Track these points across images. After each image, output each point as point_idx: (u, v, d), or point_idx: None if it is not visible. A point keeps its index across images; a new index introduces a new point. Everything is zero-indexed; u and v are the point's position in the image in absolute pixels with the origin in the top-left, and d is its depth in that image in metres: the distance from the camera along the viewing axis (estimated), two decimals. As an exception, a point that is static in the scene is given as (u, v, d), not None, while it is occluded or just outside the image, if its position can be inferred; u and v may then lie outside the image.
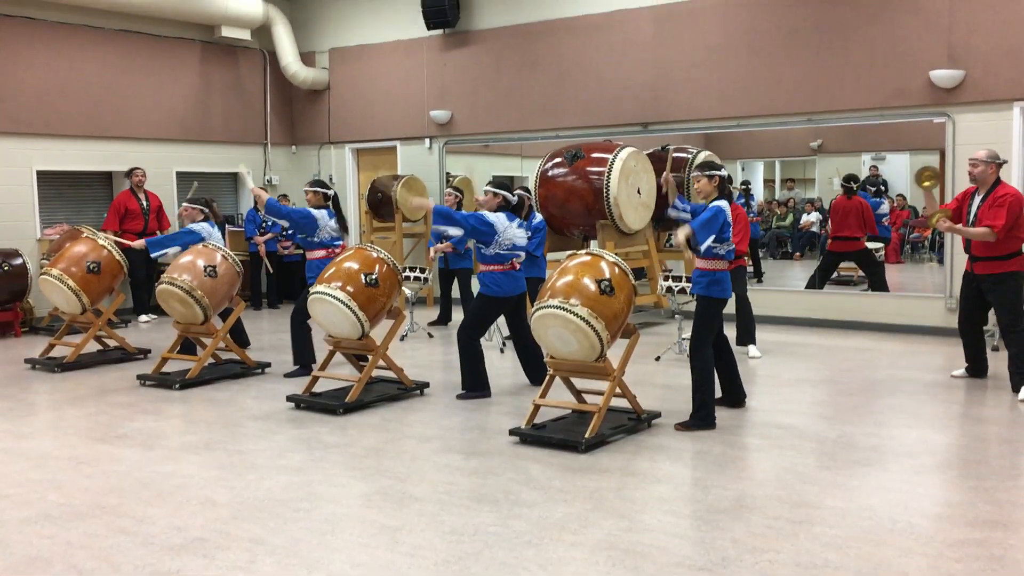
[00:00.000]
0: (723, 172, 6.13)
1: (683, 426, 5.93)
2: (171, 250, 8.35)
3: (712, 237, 5.91)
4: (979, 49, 9.04)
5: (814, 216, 13.50)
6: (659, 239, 11.33)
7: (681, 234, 6.12)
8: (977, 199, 6.82)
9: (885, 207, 12.32)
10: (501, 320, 9.84)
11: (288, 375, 7.86)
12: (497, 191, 6.83)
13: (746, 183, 13.23)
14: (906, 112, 9.58)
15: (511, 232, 6.77)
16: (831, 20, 9.83)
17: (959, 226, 6.81)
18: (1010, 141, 8.82)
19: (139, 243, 9.01)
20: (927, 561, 3.81)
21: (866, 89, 9.66)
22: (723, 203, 6.02)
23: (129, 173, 11.55)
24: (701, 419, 5.94)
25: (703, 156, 10.72)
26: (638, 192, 10.08)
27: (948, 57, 9.18)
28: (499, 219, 6.74)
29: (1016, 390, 6.67)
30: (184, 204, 8.69)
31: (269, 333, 10.38)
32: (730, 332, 8.36)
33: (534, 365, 7.26)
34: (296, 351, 7.98)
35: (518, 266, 6.92)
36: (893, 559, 3.83)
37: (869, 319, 9.89)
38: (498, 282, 6.82)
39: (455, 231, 6.77)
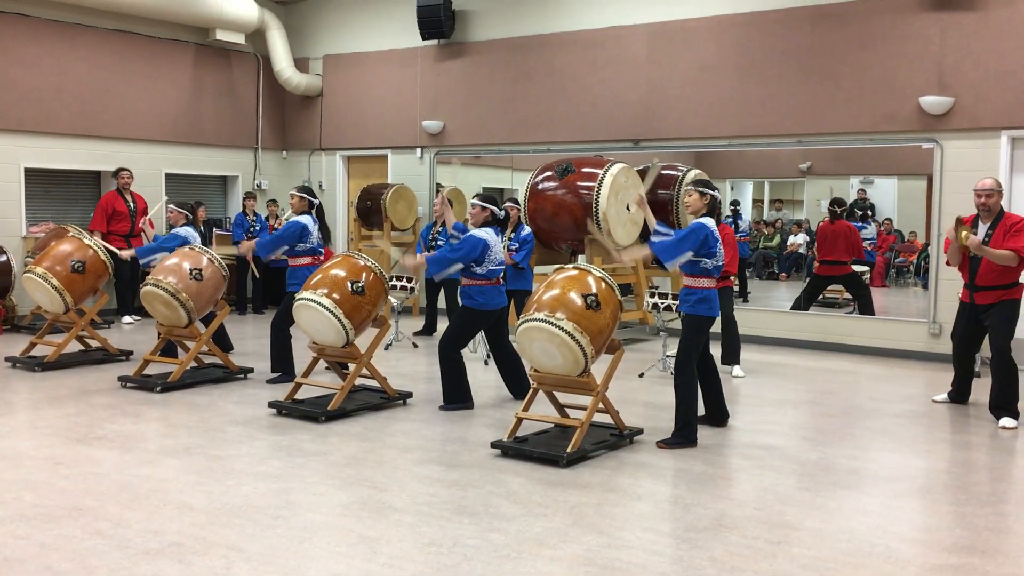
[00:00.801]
0: (716, 193, 6.18)
1: (665, 444, 5.93)
2: (159, 255, 8.33)
3: (689, 253, 5.93)
4: (969, 76, 9.12)
5: (801, 238, 13.58)
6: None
7: (627, 256, 6.56)
8: (982, 227, 6.74)
9: (872, 231, 12.40)
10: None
11: (271, 381, 7.82)
12: (485, 205, 6.83)
13: (735, 203, 13.29)
14: (895, 137, 9.65)
15: (498, 247, 6.83)
16: (823, 44, 9.91)
17: (986, 247, 6.61)
18: (997, 169, 8.89)
19: (127, 253, 9.05)
20: (904, 585, 3.82)
21: (856, 113, 9.73)
22: (707, 220, 6.04)
23: (116, 174, 11.49)
24: (683, 437, 5.95)
25: (693, 174, 10.77)
26: (627, 208, 10.11)
27: (938, 84, 9.27)
28: (491, 236, 6.76)
29: (997, 419, 6.70)
30: (169, 207, 8.71)
31: (253, 338, 10.33)
32: (715, 351, 8.39)
33: (516, 378, 7.25)
34: (274, 358, 7.95)
35: (502, 280, 6.95)
36: (870, 583, 3.84)
37: (852, 342, 9.93)
38: (485, 294, 6.82)
39: (456, 268, 6.75)
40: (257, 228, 12.26)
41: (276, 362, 7.95)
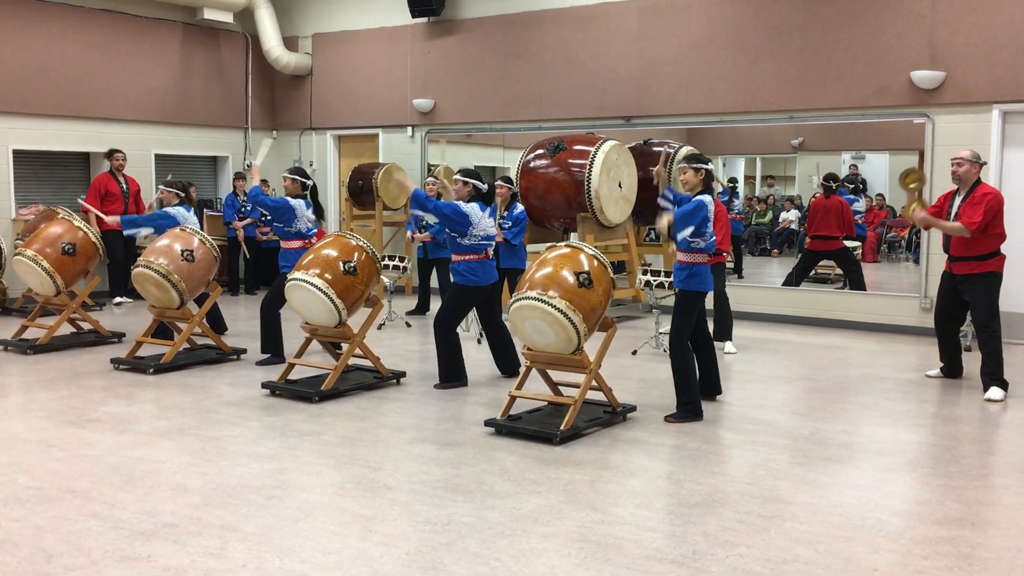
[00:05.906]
0: (709, 166, 6.23)
1: (673, 418, 5.98)
2: (144, 230, 8.30)
3: (690, 229, 5.98)
4: (960, 51, 9.10)
5: (793, 214, 13.58)
6: (639, 233, 11.34)
7: (664, 220, 6.31)
8: (958, 199, 6.82)
9: (861, 205, 12.40)
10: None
11: (260, 363, 7.81)
12: (467, 180, 6.85)
13: (733, 180, 13.26)
14: (887, 112, 9.63)
15: (484, 222, 6.83)
16: (814, 19, 9.87)
17: (933, 218, 6.83)
18: (988, 143, 8.89)
19: (114, 219, 8.97)
20: (896, 558, 3.85)
21: (848, 88, 9.71)
22: (707, 197, 6.10)
23: (110, 155, 11.40)
24: (690, 411, 5.99)
25: (685, 151, 10.75)
26: (619, 186, 10.09)
27: (929, 58, 9.24)
28: (473, 210, 6.77)
29: (985, 390, 6.74)
30: (160, 186, 8.65)
31: (245, 319, 10.31)
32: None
33: (505, 355, 7.28)
34: (264, 339, 7.95)
35: (491, 255, 6.96)
36: (862, 555, 3.86)
37: (844, 317, 9.96)
38: (474, 271, 6.84)
39: (431, 218, 6.81)
40: (248, 208, 12.21)
41: (265, 343, 7.94)
